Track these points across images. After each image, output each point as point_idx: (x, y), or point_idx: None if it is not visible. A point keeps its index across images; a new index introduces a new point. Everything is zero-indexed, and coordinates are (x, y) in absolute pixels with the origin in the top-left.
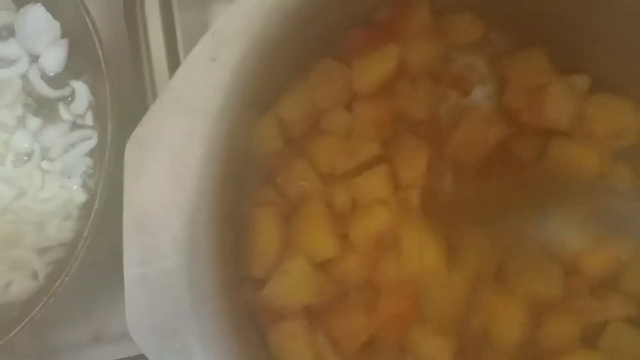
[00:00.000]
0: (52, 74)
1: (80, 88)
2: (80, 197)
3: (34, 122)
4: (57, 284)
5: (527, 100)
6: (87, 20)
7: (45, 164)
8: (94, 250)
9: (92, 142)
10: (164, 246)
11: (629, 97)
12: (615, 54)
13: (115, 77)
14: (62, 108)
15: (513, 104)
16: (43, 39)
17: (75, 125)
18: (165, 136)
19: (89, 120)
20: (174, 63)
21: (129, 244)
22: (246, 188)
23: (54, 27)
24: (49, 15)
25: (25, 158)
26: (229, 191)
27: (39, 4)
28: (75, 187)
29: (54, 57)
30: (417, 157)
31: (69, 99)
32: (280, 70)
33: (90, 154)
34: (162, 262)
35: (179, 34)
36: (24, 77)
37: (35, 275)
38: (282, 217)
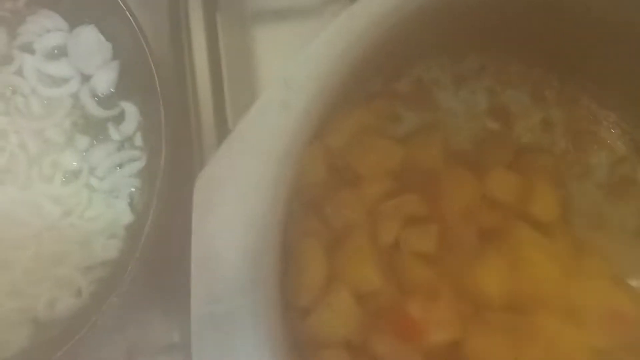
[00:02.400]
0: (102, 95)
1: (130, 109)
2: (127, 217)
3: (82, 141)
4: (105, 304)
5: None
6: (142, 41)
7: (92, 183)
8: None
9: (140, 164)
10: (230, 285)
11: None
12: None
13: (164, 99)
14: (111, 128)
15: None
16: (95, 59)
17: (123, 146)
18: (234, 178)
19: (137, 141)
20: (217, 85)
21: (197, 283)
22: (293, 217)
23: (106, 48)
24: (101, 37)
25: (73, 177)
26: (287, 226)
27: (92, 25)
28: (121, 207)
29: (105, 78)
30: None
31: (118, 120)
32: (339, 106)
33: (138, 174)
34: (229, 301)
35: (222, 56)
36: (75, 96)
37: (78, 294)
38: (327, 247)
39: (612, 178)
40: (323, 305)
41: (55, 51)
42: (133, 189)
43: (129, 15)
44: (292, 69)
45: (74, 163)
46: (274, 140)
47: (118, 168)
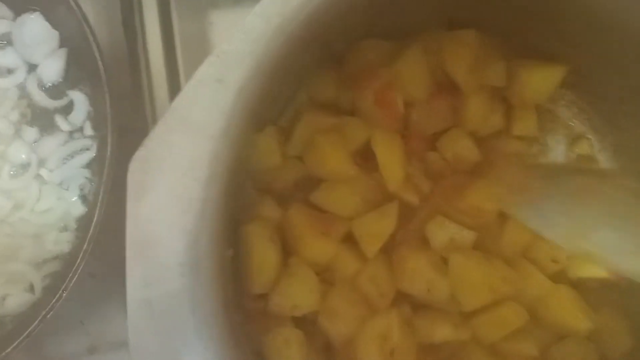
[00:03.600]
0: (50, 84)
1: (79, 98)
2: (79, 209)
3: (31, 132)
4: (55, 299)
5: None
6: (87, 29)
7: (42, 175)
8: (90, 262)
9: (91, 154)
10: (167, 269)
11: None
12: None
13: (115, 87)
14: (59, 118)
15: None
16: (41, 48)
17: (73, 136)
18: (168, 159)
19: (87, 131)
20: (172, 72)
21: (132, 266)
22: (243, 202)
23: (53, 36)
24: (47, 25)
25: (22, 169)
26: (228, 208)
27: (37, 12)
28: (73, 199)
29: (52, 67)
30: None
31: (67, 110)
32: (282, 88)
33: (89, 165)
34: (165, 285)
35: (177, 42)
36: (21, 87)
37: (31, 289)
38: (277, 230)
39: (570, 156)
40: (285, 281)
41: (1, 40)
42: (84, 180)
43: (72, 2)
44: (226, 44)
45: (23, 156)
46: (209, 117)
47: (69, 159)
